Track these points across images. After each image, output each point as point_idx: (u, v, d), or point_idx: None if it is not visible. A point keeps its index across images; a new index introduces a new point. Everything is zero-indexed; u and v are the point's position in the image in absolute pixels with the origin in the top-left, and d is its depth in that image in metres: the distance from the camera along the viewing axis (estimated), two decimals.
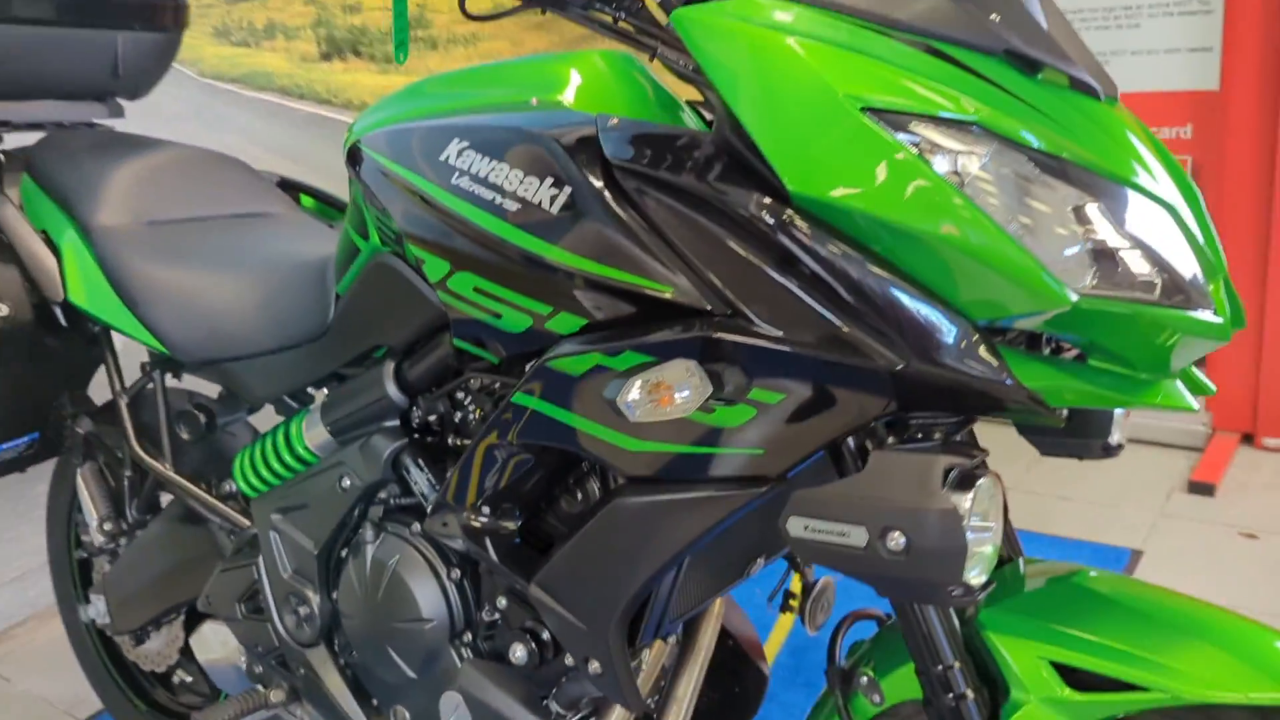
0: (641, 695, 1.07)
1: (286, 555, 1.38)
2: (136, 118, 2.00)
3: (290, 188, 1.89)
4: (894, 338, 0.82)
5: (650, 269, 0.90)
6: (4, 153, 1.71)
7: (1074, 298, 0.79)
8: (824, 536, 0.84)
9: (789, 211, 0.84)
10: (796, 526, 0.86)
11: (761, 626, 2.18)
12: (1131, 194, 0.84)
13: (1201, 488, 2.70)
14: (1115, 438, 1.12)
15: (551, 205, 0.94)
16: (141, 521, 1.64)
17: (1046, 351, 0.93)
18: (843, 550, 0.84)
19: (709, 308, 0.88)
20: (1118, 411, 1.11)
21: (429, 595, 1.22)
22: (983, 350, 0.81)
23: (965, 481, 0.81)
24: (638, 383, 0.89)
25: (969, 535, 0.80)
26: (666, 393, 0.87)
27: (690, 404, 0.87)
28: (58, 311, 1.56)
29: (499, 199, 0.97)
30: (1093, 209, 0.82)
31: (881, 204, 0.79)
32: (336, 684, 1.38)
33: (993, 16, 0.86)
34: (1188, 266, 0.85)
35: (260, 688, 1.47)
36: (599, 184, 0.92)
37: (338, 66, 3.16)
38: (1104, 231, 0.82)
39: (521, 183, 0.96)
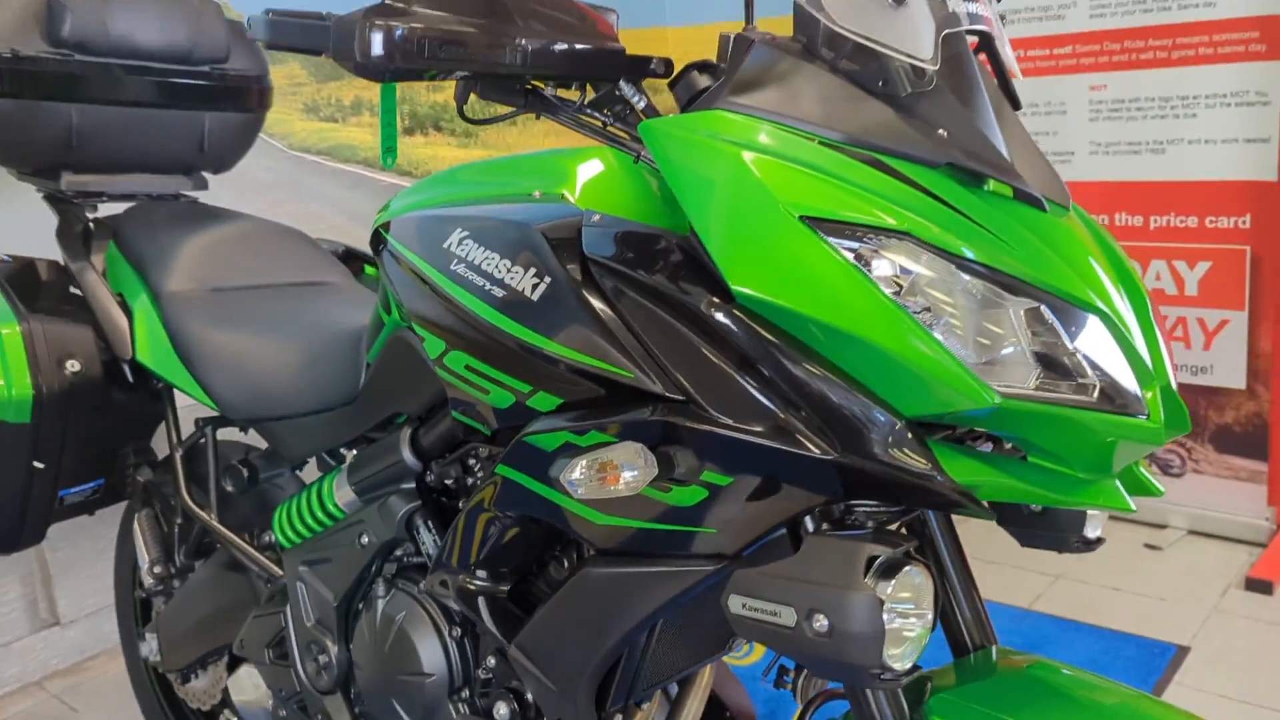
0: None
1: (310, 605, 1.48)
2: (231, 186, 2.18)
3: (354, 258, 2.03)
4: (827, 430, 0.88)
5: (615, 357, 0.97)
6: (96, 221, 1.89)
7: (997, 399, 0.84)
8: (759, 615, 0.90)
9: (736, 309, 0.90)
10: (736, 604, 0.91)
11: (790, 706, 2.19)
12: (1063, 302, 0.88)
13: (1259, 585, 2.63)
14: (1093, 531, 1.14)
15: (533, 293, 1.03)
16: (189, 566, 1.76)
17: (1008, 447, 0.97)
18: (774, 629, 0.89)
19: (667, 394, 0.95)
20: None
21: (431, 651, 1.29)
22: (910, 445, 0.86)
23: (889, 569, 0.85)
24: (582, 462, 0.96)
25: (889, 620, 0.84)
26: (614, 472, 0.94)
27: (637, 483, 0.94)
28: (126, 369, 1.71)
29: (488, 285, 1.06)
30: (1021, 315, 0.87)
31: (812, 304, 0.86)
32: None
33: (940, 131, 0.93)
34: (1121, 372, 0.89)
35: None
36: (575, 276, 1.00)
37: (419, 140, 3.34)
38: (1033, 336, 0.87)
39: (509, 271, 1.05)
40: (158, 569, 1.76)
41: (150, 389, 1.75)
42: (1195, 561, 2.82)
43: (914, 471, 0.86)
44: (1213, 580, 2.71)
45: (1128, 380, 0.90)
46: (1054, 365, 0.88)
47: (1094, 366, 0.89)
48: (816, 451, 0.88)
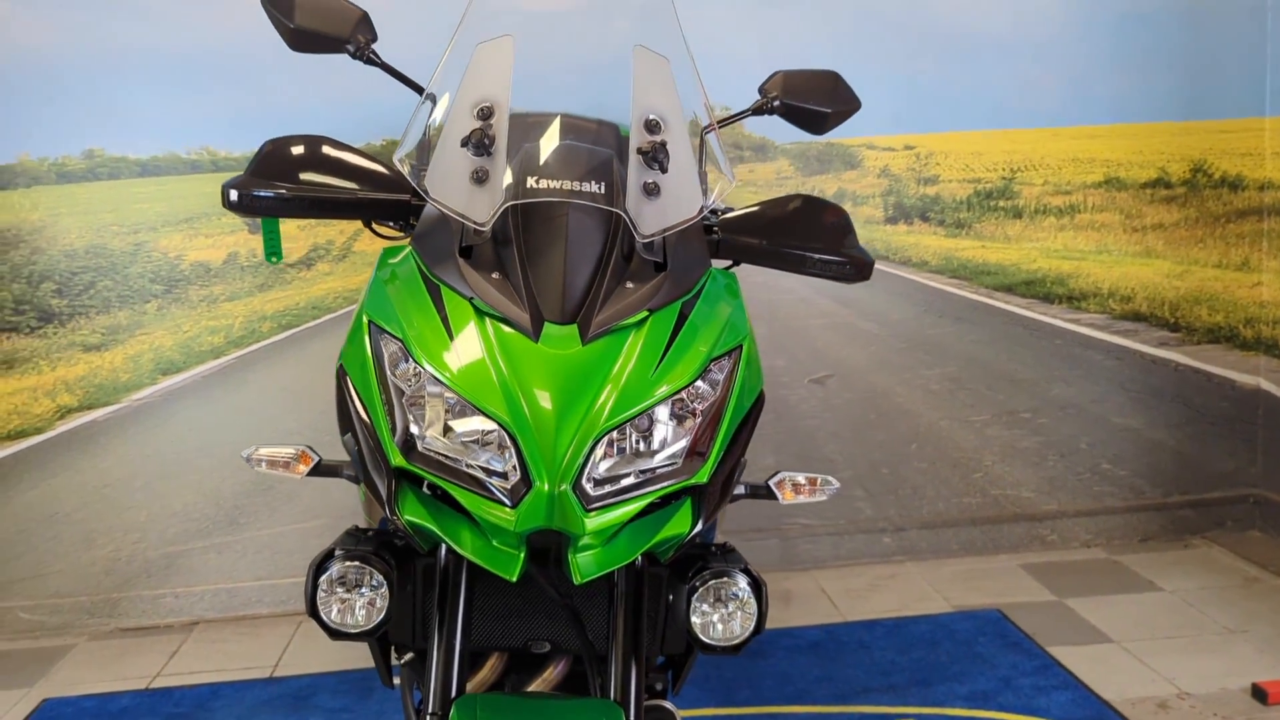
0: None
1: None
2: None
3: None
4: (369, 463, 1.30)
5: None
6: None
7: (395, 465, 1.20)
8: None
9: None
10: None
11: None
12: (474, 410, 1.18)
13: None
14: (704, 633, 1.32)
15: None
16: None
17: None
18: None
19: None
20: (702, 606, 1.31)
21: None
22: (382, 480, 1.25)
23: (341, 561, 1.27)
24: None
25: (325, 591, 1.26)
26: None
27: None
28: None
29: None
30: (443, 411, 1.20)
31: (355, 374, 1.30)
32: None
33: (493, 275, 1.27)
34: (506, 470, 1.16)
35: None
36: None
37: (901, 229, 3.63)
38: (449, 423, 1.20)
39: None
40: None
41: None
42: None
43: (383, 499, 1.25)
44: None
45: (504, 475, 1.18)
46: (442, 443, 1.21)
47: (488, 456, 1.18)
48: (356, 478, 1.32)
